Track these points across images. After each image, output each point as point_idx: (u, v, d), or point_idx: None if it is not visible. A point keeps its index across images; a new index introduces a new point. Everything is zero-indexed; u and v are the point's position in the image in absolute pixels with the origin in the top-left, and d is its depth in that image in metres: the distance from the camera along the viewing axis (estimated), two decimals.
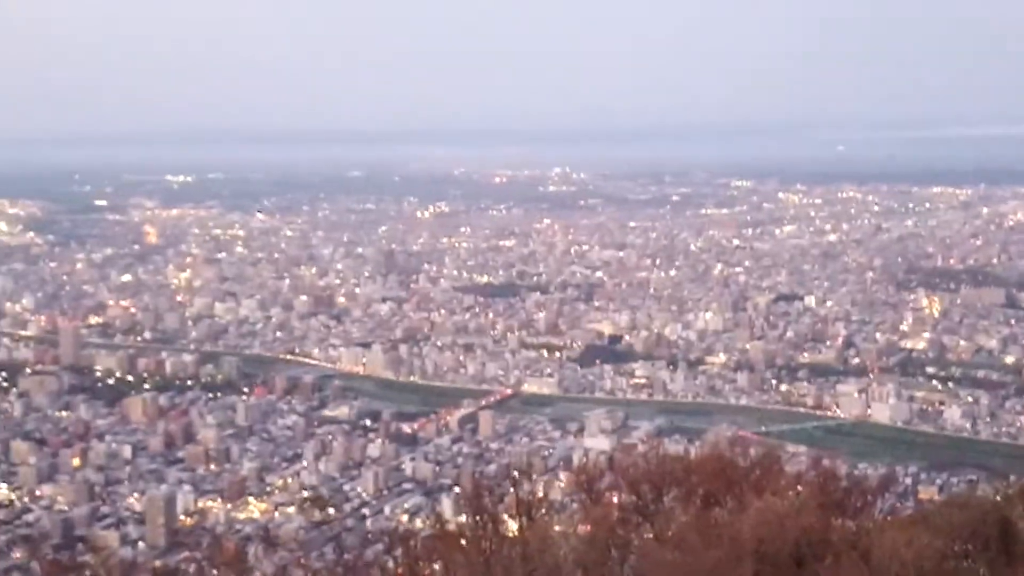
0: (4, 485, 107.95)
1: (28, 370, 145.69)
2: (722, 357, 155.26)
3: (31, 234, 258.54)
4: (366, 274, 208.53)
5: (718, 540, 17.30)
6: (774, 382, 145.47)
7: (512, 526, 20.24)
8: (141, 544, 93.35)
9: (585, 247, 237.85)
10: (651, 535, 19.41)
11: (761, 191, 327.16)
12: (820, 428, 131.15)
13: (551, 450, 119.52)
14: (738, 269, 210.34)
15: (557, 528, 20.54)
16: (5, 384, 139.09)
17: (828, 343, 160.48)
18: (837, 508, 19.75)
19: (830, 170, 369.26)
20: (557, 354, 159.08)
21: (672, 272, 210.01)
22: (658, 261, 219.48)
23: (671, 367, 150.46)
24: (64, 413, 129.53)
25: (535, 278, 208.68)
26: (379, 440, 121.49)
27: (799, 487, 20.80)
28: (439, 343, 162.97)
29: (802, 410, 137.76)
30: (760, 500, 18.30)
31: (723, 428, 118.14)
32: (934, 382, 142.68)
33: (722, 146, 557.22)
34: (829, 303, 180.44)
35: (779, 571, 16.70)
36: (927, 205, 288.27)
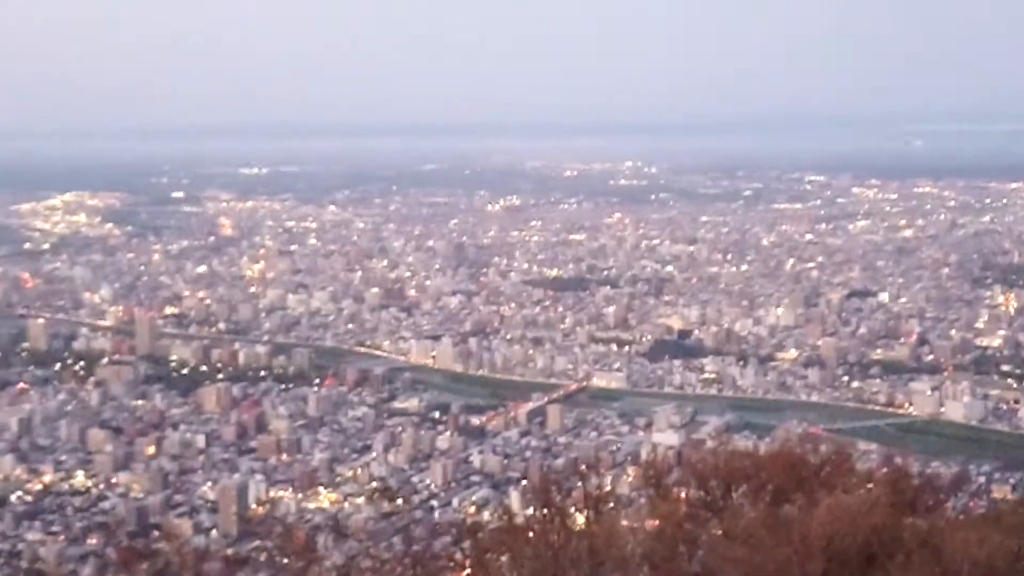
0: (81, 472, 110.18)
1: (105, 360, 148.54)
2: (793, 353, 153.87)
3: (109, 225, 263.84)
4: (436, 267, 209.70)
5: (787, 537, 17.18)
6: (846, 379, 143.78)
7: (579, 520, 20.26)
8: (214, 532, 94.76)
9: (655, 241, 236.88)
10: (719, 531, 19.32)
11: (834, 186, 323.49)
12: (892, 425, 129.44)
13: (619, 445, 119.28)
14: (810, 264, 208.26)
15: (624, 523, 20.51)
16: (83, 373, 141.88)
17: (901, 340, 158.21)
18: (909, 506, 19.49)
19: (905, 165, 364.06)
20: (626, 348, 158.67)
21: (743, 267, 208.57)
22: (729, 256, 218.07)
23: (741, 362, 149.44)
24: (140, 402, 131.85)
25: (605, 272, 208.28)
26: (448, 433, 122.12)
27: (870, 484, 20.57)
28: (508, 336, 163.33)
29: (874, 407, 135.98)
30: (830, 497, 18.13)
31: (793, 424, 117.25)
32: (1009, 380, 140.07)
33: (795, 140, 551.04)
34: (903, 299, 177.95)
35: (849, 569, 16.56)
36: (1004, 201, 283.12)
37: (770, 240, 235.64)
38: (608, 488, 21.72)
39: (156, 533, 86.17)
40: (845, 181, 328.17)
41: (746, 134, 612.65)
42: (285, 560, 21.53)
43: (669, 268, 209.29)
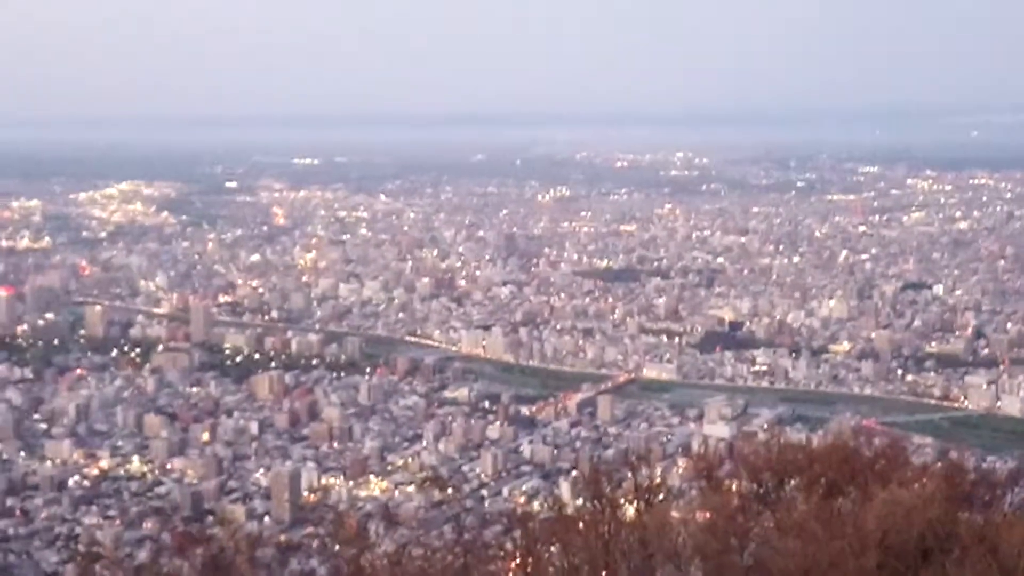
0: (137, 458, 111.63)
1: (161, 347, 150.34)
2: (846, 345, 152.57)
3: (165, 214, 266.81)
4: (487, 257, 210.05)
5: (841, 530, 17.13)
6: (900, 372, 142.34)
7: (630, 511, 20.28)
8: (267, 519, 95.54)
9: (707, 232, 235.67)
10: (772, 524, 19.27)
11: (889, 177, 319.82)
12: (947, 419, 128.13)
13: (670, 436, 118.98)
14: (864, 256, 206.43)
15: (675, 514, 20.51)
16: (139, 360, 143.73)
17: (957, 333, 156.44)
18: (964, 501, 19.34)
19: (961, 156, 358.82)
20: (677, 340, 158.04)
21: (796, 258, 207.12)
22: (781, 247, 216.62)
23: (793, 355, 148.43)
24: (194, 389, 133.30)
25: (656, 263, 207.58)
26: (498, 422, 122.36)
27: (925, 479, 20.43)
28: (559, 327, 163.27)
29: (929, 401, 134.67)
30: (885, 491, 18.04)
31: (846, 418, 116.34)
32: None
33: (849, 130, 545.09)
34: (958, 292, 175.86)
35: (904, 563, 16.47)
36: None
37: (823, 231, 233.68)
38: (659, 480, 21.76)
39: (210, 519, 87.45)
40: (900, 172, 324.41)
41: (799, 125, 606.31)
42: (337, 547, 21.73)
43: (720, 259, 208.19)
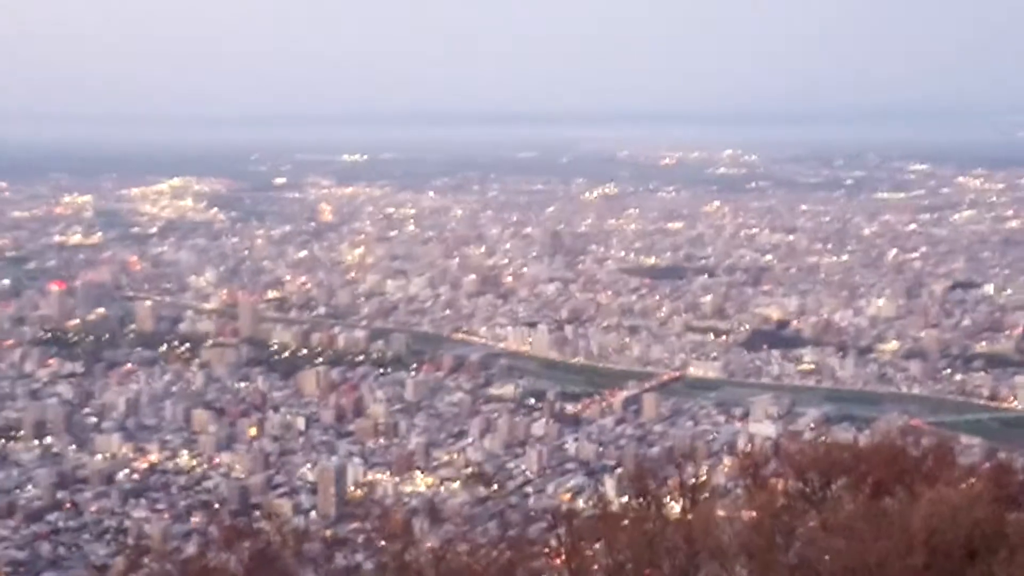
0: (185, 452, 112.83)
1: (209, 342, 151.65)
2: (894, 345, 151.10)
3: (214, 210, 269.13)
4: (533, 254, 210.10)
5: (888, 530, 17.04)
6: (948, 371, 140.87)
7: (675, 509, 20.27)
8: (313, 514, 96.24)
9: (754, 230, 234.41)
10: (818, 523, 19.19)
11: (938, 175, 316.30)
12: (996, 420, 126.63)
13: (715, 434, 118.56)
14: (913, 255, 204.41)
15: (721, 513, 20.49)
16: (188, 355, 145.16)
17: (1006, 333, 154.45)
18: (1012, 502, 19.17)
19: (1012, 155, 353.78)
20: (723, 338, 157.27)
21: (844, 257, 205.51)
22: (829, 245, 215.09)
23: (840, 354, 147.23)
24: (242, 384, 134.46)
25: (702, 261, 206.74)
26: (543, 419, 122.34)
27: (972, 479, 20.27)
28: (604, 324, 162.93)
29: (977, 401, 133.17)
30: (932, 491, 17.92)
31: (894, 417, 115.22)
32: None
33: (898, 129, 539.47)
34: (1008, 291, 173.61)
35: (950, 563, 16.35)
36: None
37: (871, 230, 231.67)
38: (704, 478, 21.75)
39: (257, 513, 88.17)
40: (949, 171, 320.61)
41: (848, 123, 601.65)
42: (383, 542, 21.84)
43: (768, 257, 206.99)
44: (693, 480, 20.96)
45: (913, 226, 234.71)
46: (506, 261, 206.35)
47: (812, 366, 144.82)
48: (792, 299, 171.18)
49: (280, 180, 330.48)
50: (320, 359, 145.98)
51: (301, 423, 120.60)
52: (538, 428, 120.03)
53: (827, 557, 17.35)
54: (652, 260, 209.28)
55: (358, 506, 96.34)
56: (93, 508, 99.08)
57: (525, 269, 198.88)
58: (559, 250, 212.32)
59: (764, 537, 18.53)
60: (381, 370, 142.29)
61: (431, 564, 19.66)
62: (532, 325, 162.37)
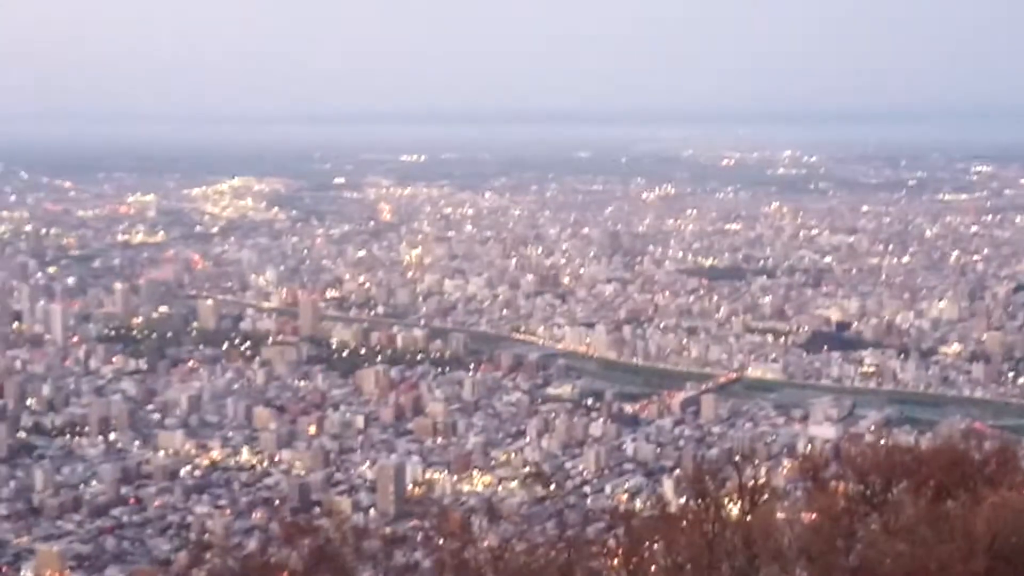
0: (246, 449, 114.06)
1: (270, 340, 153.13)
2: (956, 347, 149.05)
3: (275, 210, 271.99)
4: (591, 255, 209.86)
5: (950, 533, 16.88)
6: (1012, 374, 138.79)
7: (734, 511, 20.19)
8: (372, 511, 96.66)
9: (814, 231, 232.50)
10: (879, 526, 19.05)
11: (1002, 176, 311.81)
12: None
13: (774, 436, 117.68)
14: (976, 257, 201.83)
15: (781, 515, 20.38)
16: (249, 353, 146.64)
17: None
18: None
19: None
20: (782, 339, 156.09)
21: (905, 258, 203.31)
22: (891, 247, 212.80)
23: (902, 356, 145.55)
24: (302, 382, 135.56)
25: (761, 262, 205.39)
26: (601, 420, 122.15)
27: None
28: (663, 325, 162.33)
29: None
30: (995, 494, 17.73)
31: (956, 420, 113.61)
32: None
33: (961, 130, 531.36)
34: None
35: (1013, 568, 16.18)
36: None
37: (934, 231, 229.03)
38: (763, 480, 21.60)
39: (317, 510, 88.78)
40: (1013, 172, 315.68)
41: (911, 124, 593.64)
42: (441, 541, 21.96)
43: (828, 259, 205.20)
44: (752, 482, 20.82)
45: (976, 227, 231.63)
46: (564, 261, 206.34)
47: (873, 368, 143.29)
48: (853, 301, 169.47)
49: (340, 179, 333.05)
50: (379, 358, 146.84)
51: (360, 421, 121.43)
52: (596, 428, 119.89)
53: (888, 561, 17.23)
54: (711, 261, 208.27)
55: (417, 504, 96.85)
56: (156, 503, 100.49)
57: (583, 269, 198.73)
58: (617, 250, 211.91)
59: (824, 540, 18.43)
60: (439, 369, 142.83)
61: (489, 563, 19.72)
62: (590, 325, 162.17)
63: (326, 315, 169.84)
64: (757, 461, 27.04)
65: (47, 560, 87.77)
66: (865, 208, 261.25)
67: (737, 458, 22.36)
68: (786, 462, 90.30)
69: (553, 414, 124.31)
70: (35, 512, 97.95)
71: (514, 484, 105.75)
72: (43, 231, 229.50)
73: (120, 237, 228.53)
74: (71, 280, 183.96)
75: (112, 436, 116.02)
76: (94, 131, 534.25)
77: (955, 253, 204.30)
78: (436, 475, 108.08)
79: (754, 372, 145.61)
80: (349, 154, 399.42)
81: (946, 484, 19.56)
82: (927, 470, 20.19)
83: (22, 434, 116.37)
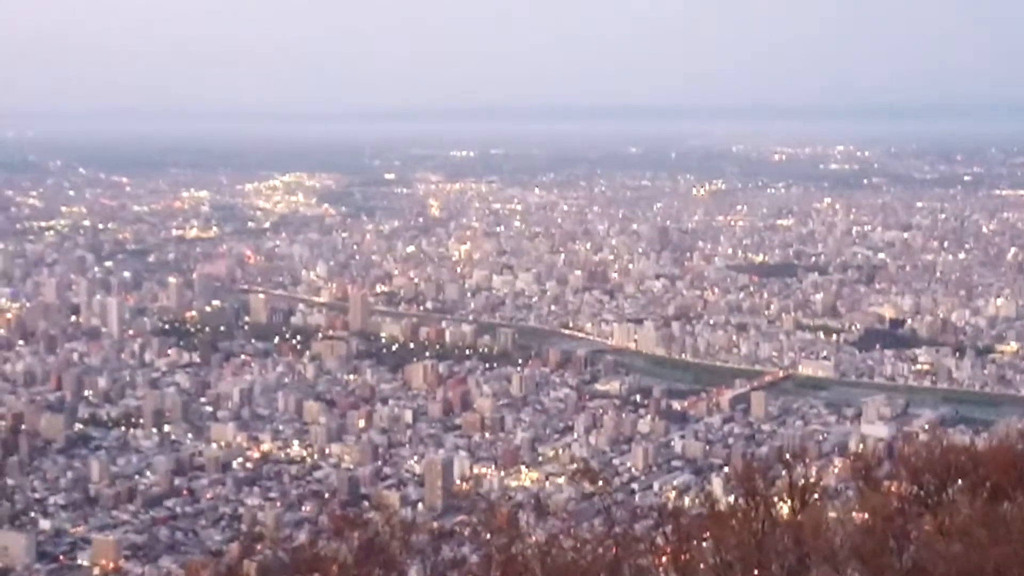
0: (297, 442, 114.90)
1: (320, 335, 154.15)
2: (1014, 346, 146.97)
3: (326, 205, 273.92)
4: (640, 250, 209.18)
5: (1006, 535, 16.61)
6: None
7: (784, 510, 20.01)
8: (420, 505, 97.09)
9: (867, 227, 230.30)
10: (932, 527, 18.79)
11: None
12: None
13: (826, 435, 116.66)
14: None
15: (832, 514, 20.16)
16: (299, 347, 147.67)
17: None
18: None
19: None
20: (834, 337, 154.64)
21: (961, 255, 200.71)
22: (946, 243, 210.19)
23: (957, 354, 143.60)
24: (352, 377, 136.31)
25: (813, 258, 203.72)
26: (649, 416, 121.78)
27: None
28: (712, 322, 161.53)
29: None
30: None
31: (1013, 420, 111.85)
32: None
33: (1021, 124, 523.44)
34: None
35: None
36: None
37: (991, 227, 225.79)
38: (814, 479, 21.38)
39: (366, 503, 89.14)
40: None
41: (968, 118, 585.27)
42: (488, 536, 21.91)
43: (882, 255, 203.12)
44: (803, 481, 20.62)
45: None
46: (613, 257, 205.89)
47: (927, 366, 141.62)
48: (907, 298, 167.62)
49: (390, 175, 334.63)
50: (428, 353, 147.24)
51: (409, 416, 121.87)
52: (644, 425, 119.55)
53: (942, 562, 16.97)
54: (761, 257, 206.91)
55: (464, 499, 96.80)
56: (209, 495, 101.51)
57: (632, 265, 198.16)
58: (666, 246, 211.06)
59: (877, 540, 18.19)
60: (488, 365, 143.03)
61: (537, 558, 19.68)
62: (639, 321, 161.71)
63: (375, 310, 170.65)
64: (808, 460, 26.74)
65: (103, 549, 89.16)
66: (920, 204, 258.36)
67: (787, 456, 22.09)
68: (837, 461, 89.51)
69: (601, 410, 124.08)
70: (91, 502, 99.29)
71: (561, 480, 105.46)
72: (100, 226, 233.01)
73: (175, 232, 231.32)
74: (127, 274, 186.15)
75: (166, 428, 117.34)
76: (150, 128, 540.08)
77: (1012, 250, 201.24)
78: (484, 470, 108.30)
79: (805, 370, 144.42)
80: (399, 150, 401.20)
81: (1003, 485, 19.27)
82: (983, 470, 19.90)
83: (79, 425, 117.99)
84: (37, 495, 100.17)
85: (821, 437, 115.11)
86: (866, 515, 19.47)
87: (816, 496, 20.46)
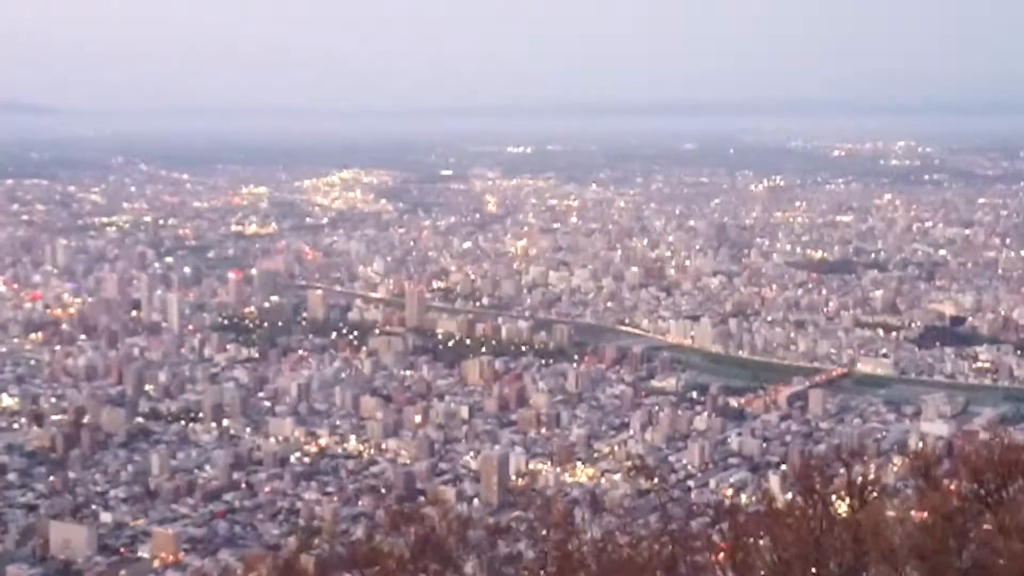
0: (354, 437, 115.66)
1: (377, 330, 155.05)
2: None
3: (383, 201, 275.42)
4: (697, 247, 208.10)
5: None
6: None
7: (842, 508, 19.87)
8: (475, 501, 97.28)
9: (928, 224, 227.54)
10: (993, 526, 18.57)
11: None
12: None
13: (884, 432, 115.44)
14: None
15: (891, 513, 19.99)
16: (356, 343, 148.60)
17: None
18: None
19: None
20: (894, 334, 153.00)
21: (1023, 252, 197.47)
22: (1008, 240, 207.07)
23: (1019, 352, 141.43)
24: (408, 372, 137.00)
25: (873, 255, 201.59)
26: (705, 413, 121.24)
27: None
28: (770, 319, 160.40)
29: None
30: None
31: None
32: None
33: None
34: None
35: None
36: None
37: None
38: (873, 477, 21.20)
39: (422, 499, 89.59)
40: None
41: None
42: (544, 532, 21.95)
43: (942, 252, 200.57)
44: (861, 479, 20.44)
45: None
46: (669, 254, 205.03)
47: (988, 364, 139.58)
48: (968, 295, 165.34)
49: (447, 171, 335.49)
50: (484, 349, 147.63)
51: (465, 412, 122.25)
52: (700, 422, 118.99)
53: (1002, 561, 16.80)
54: (820, 254, 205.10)
55: (520, 495, 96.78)
56: (267, 489, 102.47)
57: (689, 262, 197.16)
58: (724, 243, 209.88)
59: (936, 539, 18.02)
60: (544, 361, 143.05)
61: (593, 555, 19.69)
62: (695, 318, 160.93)
63: (432, 306, 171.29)
64: (866, 458, 26.51)
65: (162, 542, 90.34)
66: (982, 200, 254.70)
67: (846, 454, 21.91)
68: (896, 459, 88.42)
69: (657, 407, 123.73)
70: (151, 495, 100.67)
71: (617, 476, 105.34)
72: (161, 222, 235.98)
73: (234, 228, 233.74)
74: (187, 270, 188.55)
75: (225, 422, 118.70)
76: (209, 125, 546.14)
77: None
78: (539, 466, 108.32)
79: (864, 367, 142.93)
80: (455, 146, 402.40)
81: None
82: None
83: (140, 419, 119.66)
84: (98, 488, 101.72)
85: (880, 435, 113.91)
86: (925, 514, 19.29)
87: (875, 494, 20.27)
